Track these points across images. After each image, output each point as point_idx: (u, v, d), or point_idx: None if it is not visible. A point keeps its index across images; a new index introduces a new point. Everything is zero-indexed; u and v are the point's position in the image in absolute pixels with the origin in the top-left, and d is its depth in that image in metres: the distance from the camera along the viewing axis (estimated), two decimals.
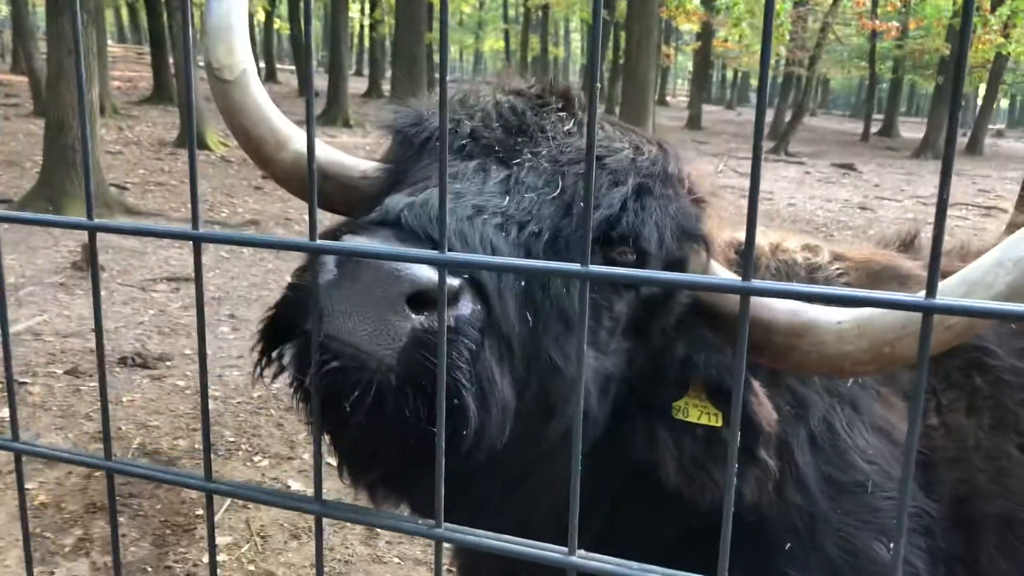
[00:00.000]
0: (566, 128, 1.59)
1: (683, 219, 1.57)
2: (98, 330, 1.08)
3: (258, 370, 1.43)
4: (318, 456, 1.02)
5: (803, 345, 1.44)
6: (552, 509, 1.59)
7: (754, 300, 1.50)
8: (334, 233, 1.53)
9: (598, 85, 0.78)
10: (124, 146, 17.10)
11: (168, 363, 6.61)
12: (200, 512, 4.67)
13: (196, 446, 5.40)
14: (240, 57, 1.74)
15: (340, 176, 1.78)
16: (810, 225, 14.75)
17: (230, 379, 6.45)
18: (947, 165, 0.69)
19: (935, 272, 0.72)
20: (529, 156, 1.51)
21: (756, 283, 0.76)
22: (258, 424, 5.77)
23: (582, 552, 0.90)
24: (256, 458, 5.32)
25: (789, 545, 1.75)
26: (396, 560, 4.43)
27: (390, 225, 1.30)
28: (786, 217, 15.41)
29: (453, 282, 1.22)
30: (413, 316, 1.17)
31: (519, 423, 1.36)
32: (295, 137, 1.79)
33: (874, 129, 38.20)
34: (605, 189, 1.51)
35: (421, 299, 1.17)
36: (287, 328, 1.34)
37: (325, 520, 4.67)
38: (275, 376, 1.42)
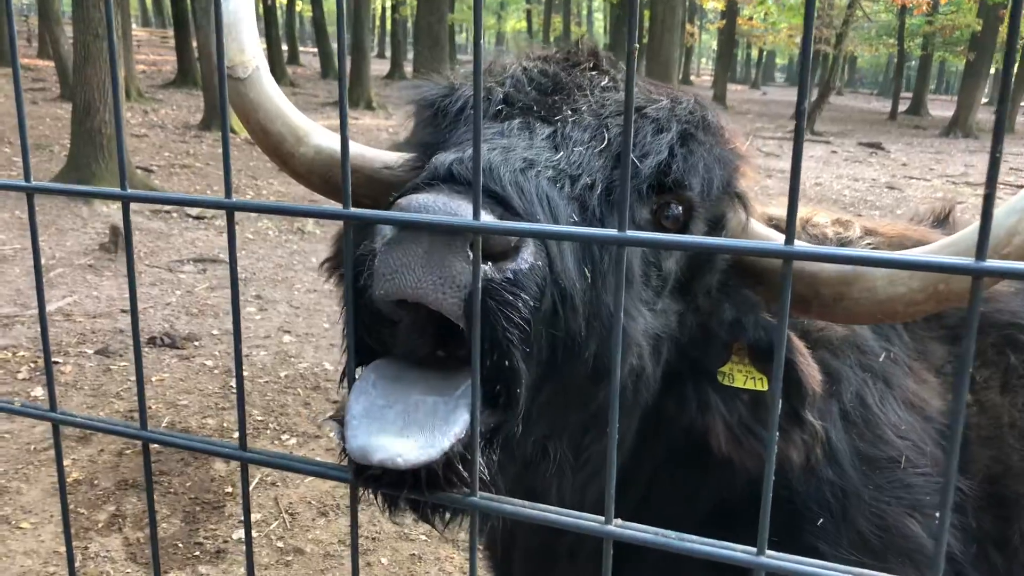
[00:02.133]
0: (602, 84, 1.56)
1: (725, 169, 1.56)
2: (132, 301, 1.09)
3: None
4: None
5: (852, 293, 1.41)
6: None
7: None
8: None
9: (635, 45, 0.77)
10: (149, 129, 17.24)
11: (196, 343, 6.69)
12: (229, 489, 4.74)
13: (225, 425, 5.48)
14: (251, 54, 1.71)
15: (363, 168, 1.75)
16: (837, 205, 14.59)
17: (257, 359, 6.51)
18: (999, 124, 0.67)
19: (985, 235, 0.70)
20: (570, 112, 1.49)
21: (800, 246, 0.74)
22: (285, 403, 5.84)
23: (619, 521, 0.90)
24: (284, 437, 5.39)
25: (821, 520, 1.74)
26: (423, 537, 4.47)
27: (441, 180, 1.25)
28: (812, 197, 15.24)
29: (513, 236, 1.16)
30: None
31: (574, 386, 1.34)
32: (313, 132, 1.78)
33: (902, 107, 37.63)
34: (650, 137, 1.48)
35: (485, 249, 1.14)
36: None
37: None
38: None
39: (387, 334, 1.24)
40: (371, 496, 1.18)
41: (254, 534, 4.37)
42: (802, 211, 2.00)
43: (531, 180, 1.30)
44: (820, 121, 27.96)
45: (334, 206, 1.00)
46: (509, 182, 1.27)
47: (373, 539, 4.43)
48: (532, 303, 1.18)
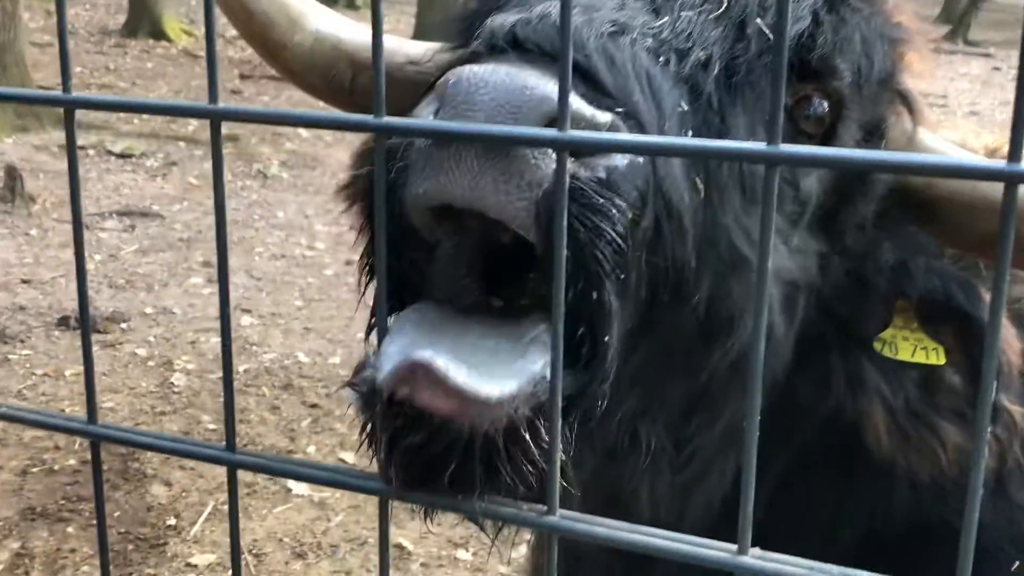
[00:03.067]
0: None
1: (887, 51, 1.55)
2: (80, 262, 1.09)
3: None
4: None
5: None
6: (718, 481, 1.58)
7: (985, 186, 1.46)
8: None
9: None
10: (54, 36, 17.31)
11: (123, 325, 6.78)
12: (172, 522, 4.81)
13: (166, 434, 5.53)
14: None
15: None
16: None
17: (207, 347, 6.59)
18: None
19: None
20: None
21: None
22: (246, 407, 5.90)
23: (756, 551, 0.89)
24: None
25: (1017, 564, 1.72)
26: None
27: (501, 51, 1.23)
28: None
29: (602, 117, 1.14)
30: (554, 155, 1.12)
31: (679, 344, 1.35)
32: (311, 14, 1.77)
33: None
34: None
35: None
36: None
37: (340, 536, 4.73)
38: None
39: (419, 267, 1.21)
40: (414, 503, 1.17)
41: None
42: (987, 138, 2.01)
43: (624, 49, 1.27)
44: (976, 27, 27.55)
45: (355, 115, 0.99)
46: (595, 49, 1.24)
47: None
48: (630, 214, 1.15)
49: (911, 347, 1.57)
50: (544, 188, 1.05)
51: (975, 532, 0.83)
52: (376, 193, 0.92)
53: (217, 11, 1.70)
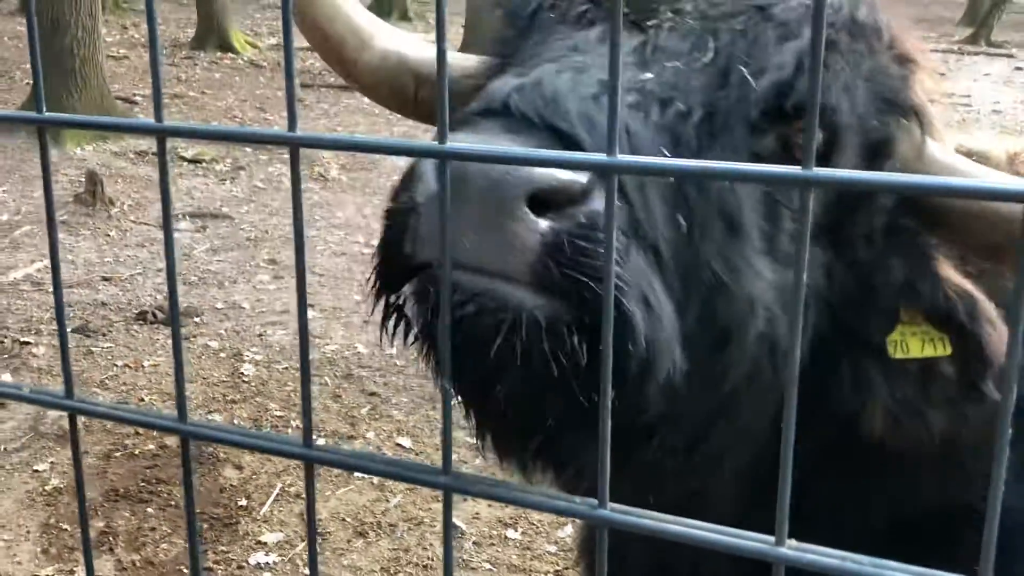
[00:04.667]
0: None
1: (883, 82, 1.57)
2: (170, 264, 1.13)
3: (384, 329, 1.46)
4: (447, 416, 1.05)
5: None
6: (734, 476, 1.62)
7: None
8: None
9: None
10: (129, 49, 17.59)
11: (196, 319, 6.86)
12: (244, 503, 4.90)
13: (236, 421, 5.66)
14: None
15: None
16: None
17: (274, 340, 6.67)
18: None
19: None
20: (670, 15, 1.51)
21: None
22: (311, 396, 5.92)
23: (793, 543, 0.91)
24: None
25: None
26: (487, 566, 4.54)
27: (495, 114, 1.31)
28: (988, 127, 14.82)
29: (579, 178, 1.22)
30: (539, 221, 1.20)
31: (687, 356, 1.38)
32: (379, 34, 1.85)
33: None
34: (772, 46, 1.50)
35: (543, 200, 1.19)
36: (401, 263, 1.35)
37: (398, 517, 4.75)
38: (399, 327, 1.44)
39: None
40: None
41: (275, 558, 4.51)
42: (1010, 142, 1.97)
43: (605, 109, 1.33)
44: (999, 28, 27.04)
45: (422, 140, 1.01)
46: (577, 115, 1.29)
47: (424, 567, 4.51)
48: (617, 245, 1.21)
49: (920, 342, 1.58)
50: (535, 255, 1.20)
51: (997, 514, 0.84)
52: (440, 239, 0.94)
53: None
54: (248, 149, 11.45)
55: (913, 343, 1.58)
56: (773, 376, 1.53)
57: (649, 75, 1.42)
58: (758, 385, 1.53)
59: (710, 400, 1.51)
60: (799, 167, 0.81)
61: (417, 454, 5.34)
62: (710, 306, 1.41)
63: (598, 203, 1.22)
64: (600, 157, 0.89)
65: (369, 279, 1.44)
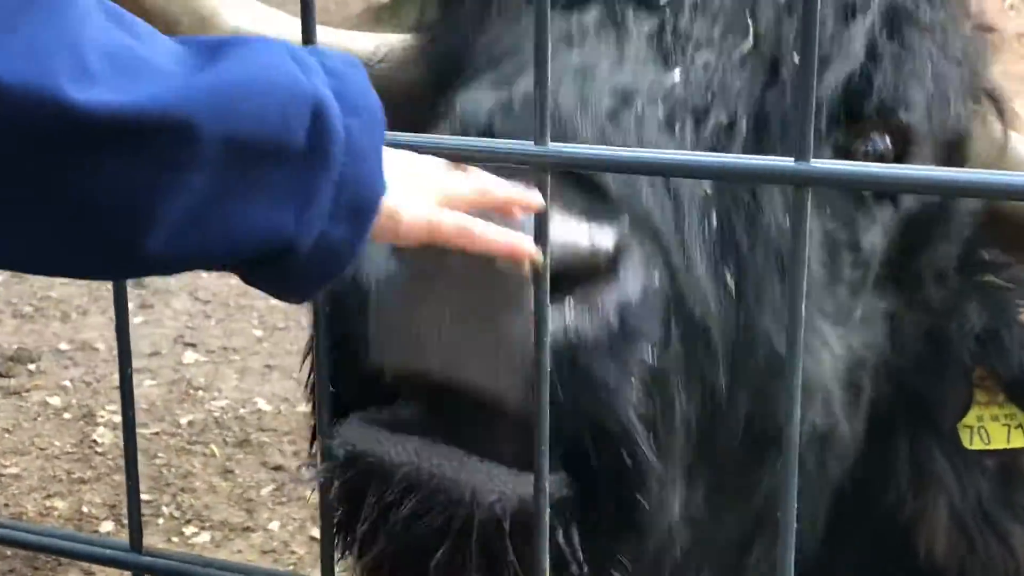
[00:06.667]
0: None
1: (965, 64, 1.45)
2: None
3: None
4: None
5: None
6: None
7: None
8: None
9: None
10: None
11: (31, 366, 5.93)
12: None
13: (86, 509, 4.93)
14: None
15: None
16: None
17: (140, 391, 5.68)
18: None
19: None
20: None
21: None
22: (190, 471, 5.20)
23: None
24: (188, 529, 4.81)
25: None
26: None
27: None
28: None
29: (604, 242, 1.03)
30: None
31: (723, 470, 1.26)
32: (226, 10, 1.64)
33: None
34: (832, 27, 1.31)
35: (563, 267, 1.02)
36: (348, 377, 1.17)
37: None
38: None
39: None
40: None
41: None
42: None
43: (631, 131, 1.15)
44: None
45: None
46: (594, 141, 1.16)
47: None
48: (648, 359, 1.08)
49: (1005, 430, 1.46)
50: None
51: None
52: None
53: None
54: None
55: (995, 430, 1.47)
56: (820, 475, 1.39)
57: (676, 76, 1.25)
58: (806, 492, 1.26)
59: (745, 521, 1.34)
60: (791, 159, 0.81)
61: None
62: (763, 395, 1.23)
63: (631, 282, 1.04)
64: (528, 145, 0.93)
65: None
